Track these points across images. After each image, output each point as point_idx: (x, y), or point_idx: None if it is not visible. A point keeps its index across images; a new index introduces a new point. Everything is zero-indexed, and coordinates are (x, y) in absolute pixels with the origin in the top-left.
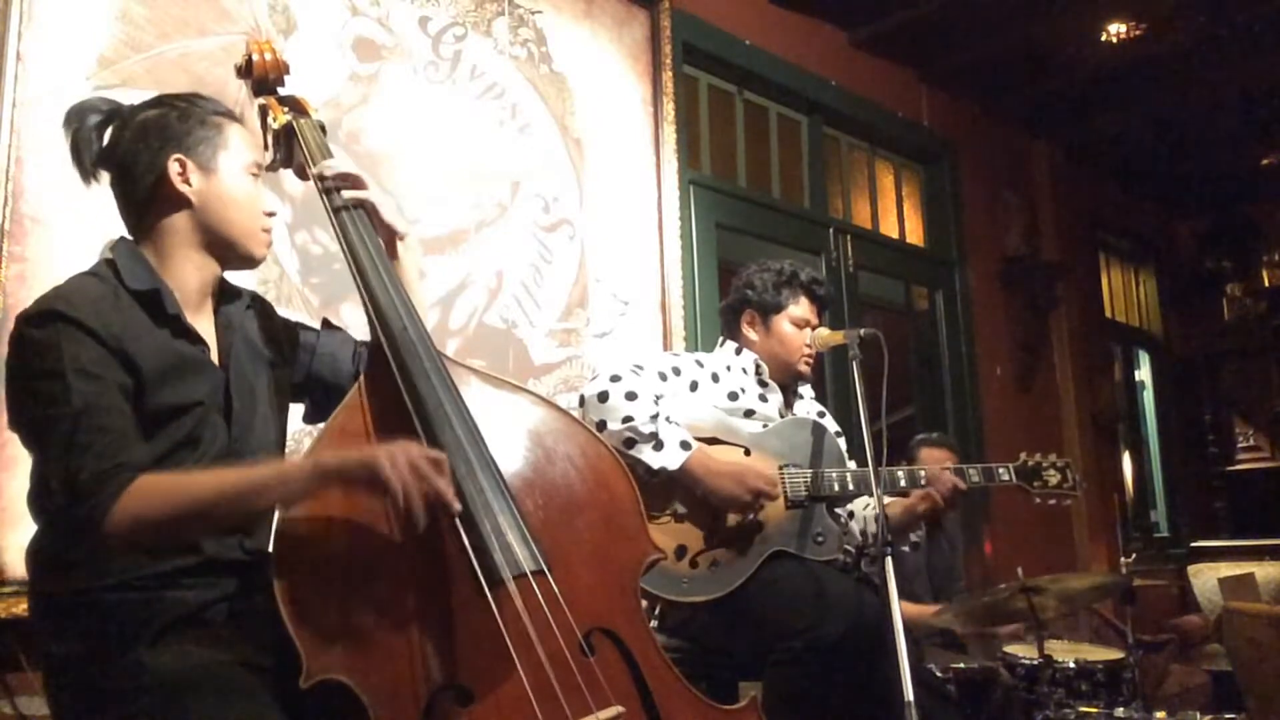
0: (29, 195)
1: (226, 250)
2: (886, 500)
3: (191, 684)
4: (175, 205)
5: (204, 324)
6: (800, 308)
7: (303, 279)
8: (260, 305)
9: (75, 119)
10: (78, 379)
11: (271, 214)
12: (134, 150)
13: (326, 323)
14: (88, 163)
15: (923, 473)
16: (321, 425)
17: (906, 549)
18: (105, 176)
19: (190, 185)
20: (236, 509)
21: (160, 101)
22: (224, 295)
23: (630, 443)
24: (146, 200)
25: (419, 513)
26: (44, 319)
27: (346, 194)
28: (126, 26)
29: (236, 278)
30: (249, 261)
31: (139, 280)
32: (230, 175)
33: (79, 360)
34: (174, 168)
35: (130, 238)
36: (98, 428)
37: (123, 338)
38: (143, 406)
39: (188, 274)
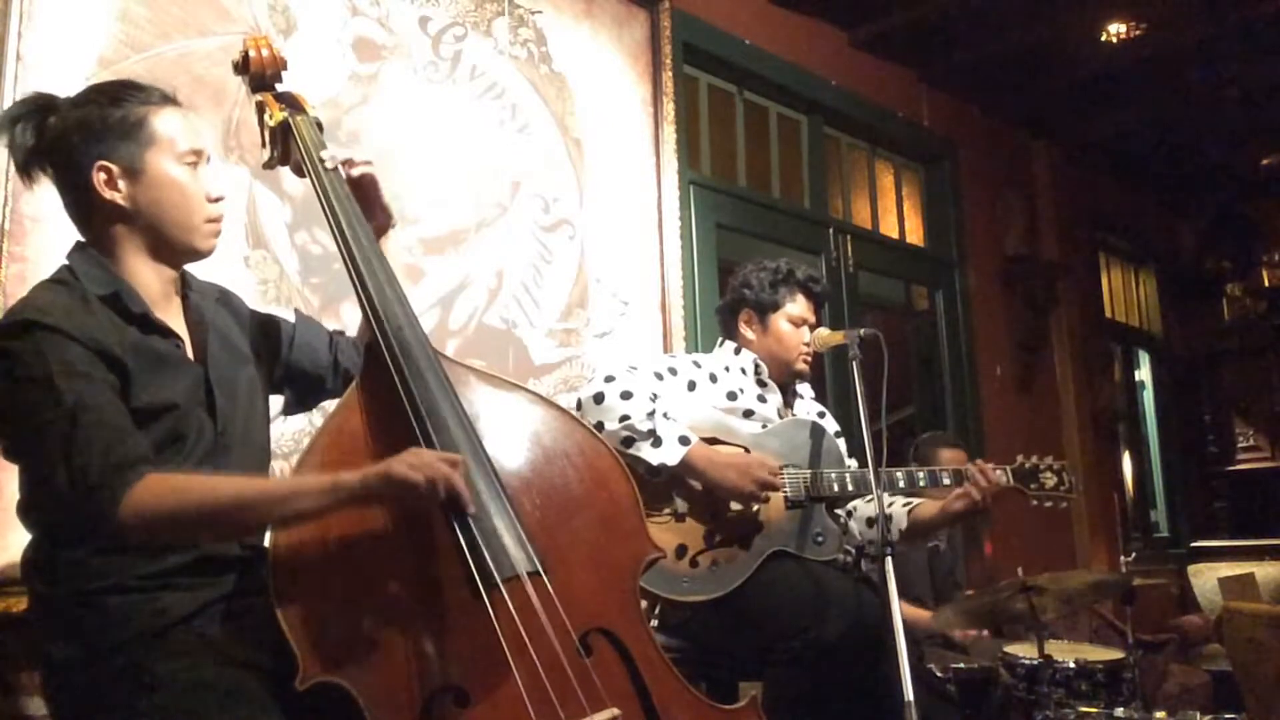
0: (29, 195)
1: (171, 250)
2: (919, 501)
3: (190, 685)
4: (111, 214)
5: (174, 320)
6: (797, 306)
7: (303, 279)
8: (230, 300)
9: (3, 129)
10: (65, 379)
11: (218, 199)
12: (59, 158)
13: (299, 313)
14: (21, 164)
15: (920, 474)
16: (315, 423)
17: (929, 548)
18: (48, 175)
19: (120, 191)
20: (250, 518)
21: (85, 99)
22: (191, 290)
23: (629, 441)
24: (84, 208)
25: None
26: (18, 329)
27: (356, 170)
28: (126, 26)
29: (219, 277)
30: (196, 256)
31: (98, 284)
32: (161, 173)
33: (63, 362)
34: (99, 177)
35: (84, 242)
36: (95, 422)
37: (101, 339)
38: (128, 404)
39: (144, 276)
